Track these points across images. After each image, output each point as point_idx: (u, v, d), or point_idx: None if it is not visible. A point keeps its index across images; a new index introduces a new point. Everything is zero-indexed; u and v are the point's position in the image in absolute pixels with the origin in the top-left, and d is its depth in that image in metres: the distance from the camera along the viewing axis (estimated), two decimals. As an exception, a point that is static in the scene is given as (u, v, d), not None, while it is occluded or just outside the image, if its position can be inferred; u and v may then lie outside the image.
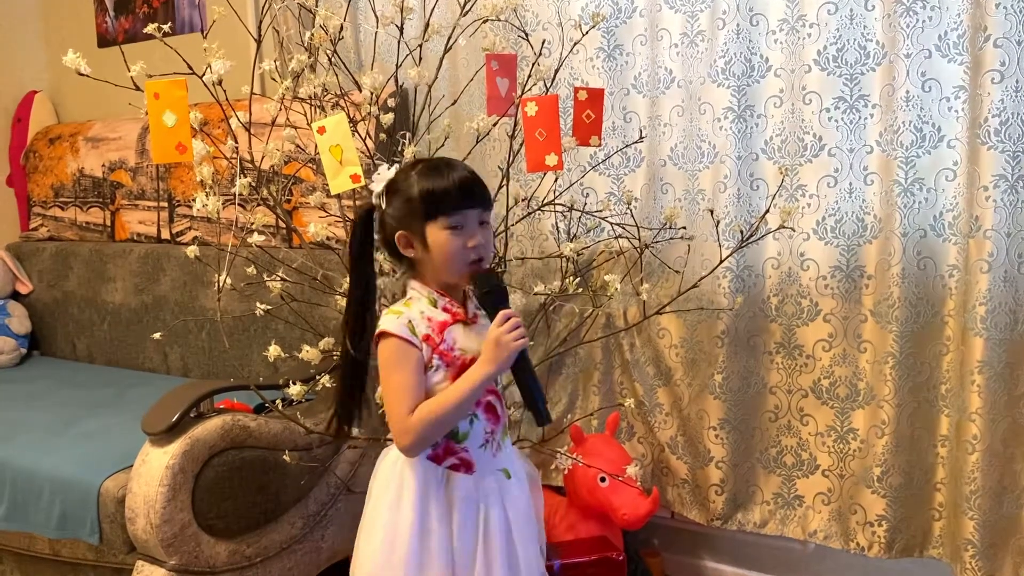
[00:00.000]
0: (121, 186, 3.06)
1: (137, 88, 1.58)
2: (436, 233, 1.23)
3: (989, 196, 1.73)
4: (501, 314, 1.20)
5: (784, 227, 1.95)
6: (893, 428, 1.90)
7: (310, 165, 2.14)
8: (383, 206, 1.29)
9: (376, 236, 1.32)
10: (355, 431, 1.93)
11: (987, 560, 1.80)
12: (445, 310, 1.29)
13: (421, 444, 1.22)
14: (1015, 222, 1.74)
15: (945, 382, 1.87)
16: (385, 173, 1.31)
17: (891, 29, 1.83)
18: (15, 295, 3.18)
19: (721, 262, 2.02)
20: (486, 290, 1.24)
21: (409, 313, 1.25)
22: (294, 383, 1.87)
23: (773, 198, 1.96)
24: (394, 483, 1.28)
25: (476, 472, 1.28)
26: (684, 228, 2.08)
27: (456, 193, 1.23)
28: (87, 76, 1.68)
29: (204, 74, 1.65)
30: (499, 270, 1.28)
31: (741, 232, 1.99)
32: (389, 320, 1.25)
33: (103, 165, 3.11)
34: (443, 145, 2.09)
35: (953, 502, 1.85)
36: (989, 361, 1.76)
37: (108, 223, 3.11)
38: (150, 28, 1.77)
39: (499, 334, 1.18)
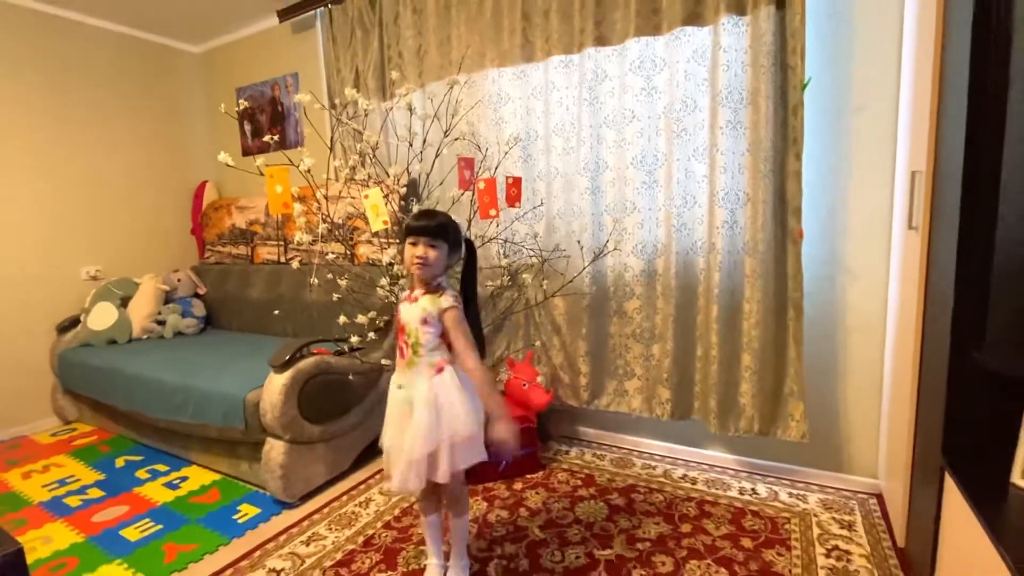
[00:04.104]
0: (256, 233, 2.99)
1: (261, 173, 1.53)
2: (407, 246, 1.23)
3: (719, 232, 1.80)
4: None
5: (616, 250, 2.03)
6: (672, 354, 1.95)
7: (361, 217, 2.10)
8: None
9: None
10: (386, 362, 1.89)
11: (721, 420, 1.88)
12: (409, 292, 1.27)
13: None
14: (732, 246, 1.81)
15: (698, 328, 1.91)
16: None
17: (669, 146, 1.89)
18: (197, 295, 3.06)
19: (584, 269, 2.08)
20: None
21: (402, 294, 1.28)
22: (354, 336, 1.84)
23: (610, 235, 2.03)
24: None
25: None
26: (564, 250, 2.12)
27: (415, 228, 1.21)
28: (233, 168, 1.62)
29: (299, 165, 1.60)
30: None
31: (594, 253, 2.05)
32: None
33: (246, 221, 3.04)
34: (436, 206, 2.07)
35: (704, 390, 1.92)
36: (720, 317, 1.83)
37: (249, 254, 3.04)
38: (267, 138, 1.71)
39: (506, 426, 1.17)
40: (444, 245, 1.22)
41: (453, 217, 1.27)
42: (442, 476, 1.20)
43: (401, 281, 1.83)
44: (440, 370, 1.22)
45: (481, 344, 1.28)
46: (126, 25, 2.97)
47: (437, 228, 1.21)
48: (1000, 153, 0.95)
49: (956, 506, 1.02)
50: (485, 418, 1.23)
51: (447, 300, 1.21)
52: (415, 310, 1.23)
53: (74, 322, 2.70)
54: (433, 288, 1.24)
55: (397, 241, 2.06)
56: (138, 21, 2.94)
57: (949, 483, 1.07)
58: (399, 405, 1.24)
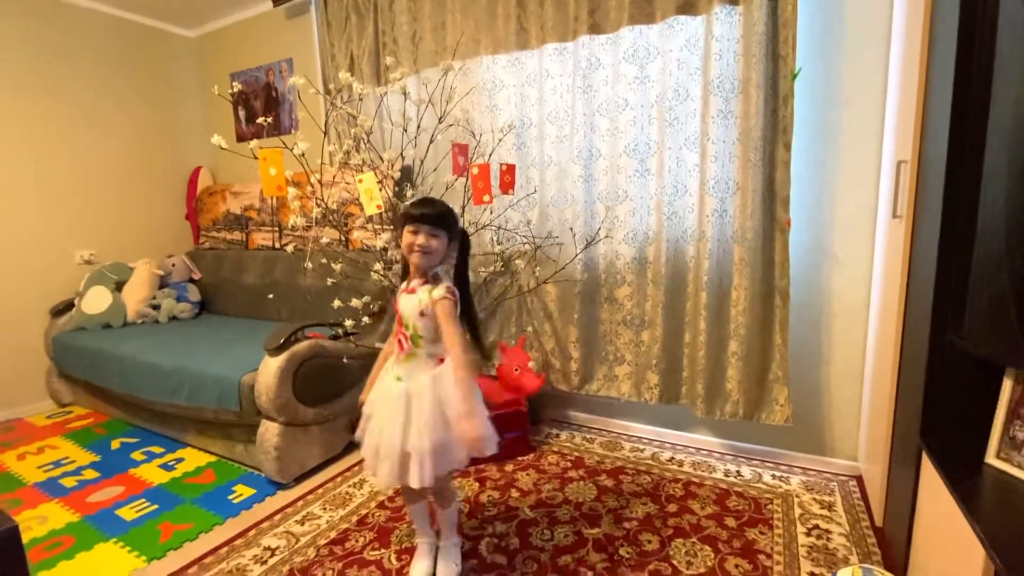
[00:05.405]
0: (251, 219, 2.95)
1: (255, 157, 1.50)
2: (405, 233, 1.20)
3: (709, 220, 1.80)
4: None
5: (608, 237, 2.02)
6: (661, 340, 1.95)
7: (355, 203, 2.07)
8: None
9: None
10: (380, 346, 1.88)
11: (708, 404, 1.89)
12: (407, 283, 1.23)
13: None
14: (722, 234, 1.80)
15: (687, 315, 1.90)
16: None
17: (661, 135, 1.87)
18: (191, 280, 3.02)
19: (576, 256, 2.07)
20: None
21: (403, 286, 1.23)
22: (349, 320, 1.83)
23: (602, 223, 2.01)
24: None
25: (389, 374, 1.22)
26: (557, 237, 2.11)
27: (418, 215, 1.18)
28: (227, 151, 1.59)
29: (294, 149, 1.58)
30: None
31: (586, 240, 2.04)
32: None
33: (241, 207, 3.00)
34: (430, 192, 2.05)
35: (691, 376, 1.92)
36: (708, 304, 1.84)
37: (244, 239, 3.00)
38: (261, 120, 1.67)
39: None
40: (445, 235, 1.19)
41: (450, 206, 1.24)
42: (420, 480, 1.13)
43: (395, 267, 1.82)
44: (441, 361, 1.20)
45: (476, 330, 1.26)
46: (120, 8, 2.90)
47: (439, 217, 1.18)
48: (983, 144, 0.96)
49: (932, 485, 1.04)
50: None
51: (439, 291, 1.17)
52: (413, 302, 1.19)
53: (68, 306, 2.66)
54: (430, 279, 1.21)
55: (391, 227, 2.04)
56: (132, 4, 2.87)
57: (926, 463, 1.09)
58: (395, 399, 1.17)
